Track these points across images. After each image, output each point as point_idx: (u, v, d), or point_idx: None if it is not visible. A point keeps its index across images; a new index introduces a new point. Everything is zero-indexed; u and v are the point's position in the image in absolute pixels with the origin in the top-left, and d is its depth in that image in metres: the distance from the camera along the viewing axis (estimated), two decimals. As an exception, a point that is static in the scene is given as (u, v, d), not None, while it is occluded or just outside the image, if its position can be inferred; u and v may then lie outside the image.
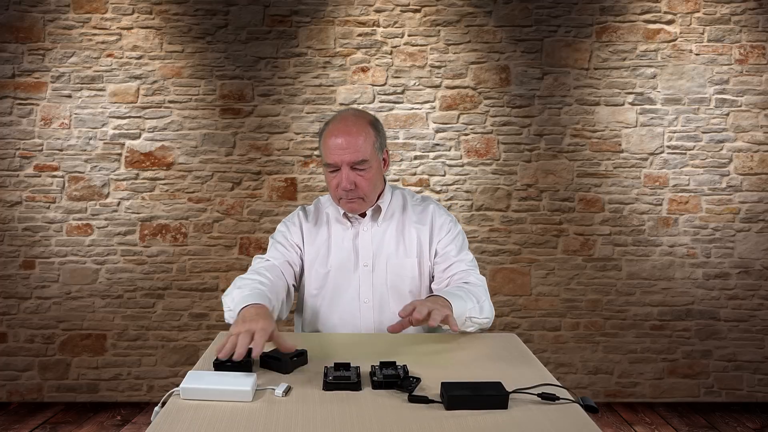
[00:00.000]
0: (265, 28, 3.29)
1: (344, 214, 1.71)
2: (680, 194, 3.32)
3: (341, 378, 1.17)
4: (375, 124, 1.66)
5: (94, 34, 3.25)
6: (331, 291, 1.70)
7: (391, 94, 3.30)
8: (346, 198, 1.63)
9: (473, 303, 1.53)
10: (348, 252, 1.70)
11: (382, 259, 1.69)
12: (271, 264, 1.68)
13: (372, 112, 3.32)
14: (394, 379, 1.16)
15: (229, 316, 1.48)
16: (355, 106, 3.28)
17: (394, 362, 1.23)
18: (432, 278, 1.73)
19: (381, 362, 1.23)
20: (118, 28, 3.26)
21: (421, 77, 3.30)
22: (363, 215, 1.71)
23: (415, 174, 3.32)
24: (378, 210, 1.71)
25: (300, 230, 1.75)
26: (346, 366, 1.21)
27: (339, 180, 1.61)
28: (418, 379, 1.16)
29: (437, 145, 3.31)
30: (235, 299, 1.45)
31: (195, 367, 1.28)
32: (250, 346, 1.35)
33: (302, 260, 1.74)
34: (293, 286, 1.72)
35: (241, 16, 3.28)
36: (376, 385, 1.17)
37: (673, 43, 3.30)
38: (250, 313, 1.31)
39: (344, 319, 1.69)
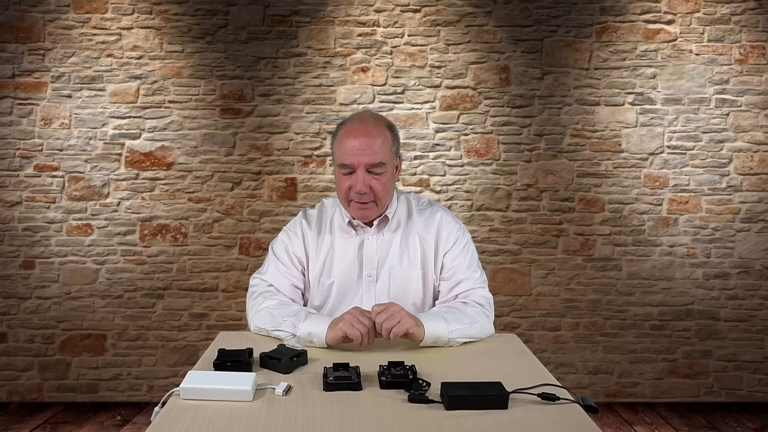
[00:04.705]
0: (265, 28, 3.29)
1: (349, 222, 1.65)
2: (680, 194, 3.32)
3: (342, 378, 1.17)
4: (392, 128, 1.62)
5: (94, 34, 3.25)
6: (334, 301, 1.65)
7: (391, 94, 3.30)
8: (359, 201, 1.57)
9: (462, 324, 1.49)
10: (351, 261, 1.64)
11: (386, 270, 1.63)
12: (281, 295, 1.63)
13: (387, 118, 3.32)
14: (402, 379, 1.16)
15: (295, 341, 1.45)
16: (354, 106, 3.28)
17: (402, 362, 1.23)
18: (437, 293, 1.67)
19: (389, 362, 1.23)
20: (118, 28, 3.26)
21: (421, 77, 3.30)
22: (369, 224, 1.65)
23: (415, 174, 3.32)
24: (385, 219, 1.65)
25: (303, 242, 1.67)
26: (345, 366, 1.21)
27: (353, 183, 1.55)
28: (429, 383, 1.15)
29: (437, 145, 3.31)
30: (303, 326, 1.47)
31: (195, 367, 1.28)
32: (250, 347, 1.36)
33: (306, 275, 1.68)
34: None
35: (241, 16, 3.28)
36: (384, 385, 1.17)
37: (673, 43, 3.30)
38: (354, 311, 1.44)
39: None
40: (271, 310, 1.54)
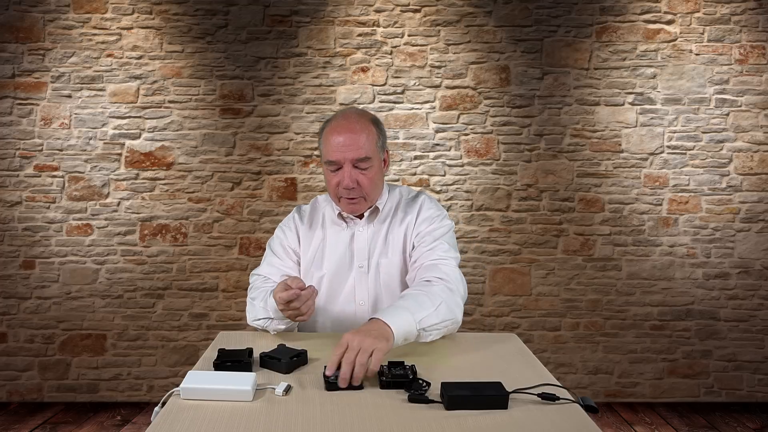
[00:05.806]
0: (265, 28, 3.29)
1: (339, 214, 1.68)
2: (680, 194, 3.32)
3: None
4: (377, 123, 1.65)
5: (94, 34, 3.25)
6: (326, 294, 1.68)
7: (391, 94, 3.30)
8: (347, 197, 1.60)
9: (427, 310, 1.36)
10: (343, 253, 1.67)
11: (374, 260, 1.66)
12: (268, 282, 1.65)
13: (372, 113, 3.33)
14: (402, 378, 1.16)
15: (276, 324, 1.52)
16: (355, 106, 3.28)
17: (402, 362, 1.23)
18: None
19: (390, 362, 1.23)
20: (118, 28, 3.26)
21: (421, 77, 3.30)
22: (360, 216, 1.68)
23: (415, 174, 3.32)
24: (375, 211, 1.68)
25: (296, 234, 1.72)
26: None
27: (340, 178, 1.58)
28: (429, 383, 1.15)
29: (437, 145, 3.31)
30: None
31: (195, 367, 1.28)
32: (250, 347, 1.36)
33: (299, 265, 1.72)
34: None
35: (241, 16, 3.28)
36: (384, 385, 1.17)
37: (673, 43, 3.30)
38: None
39: (340, 322, 1.68)
40: (252, 301, 1.58)
